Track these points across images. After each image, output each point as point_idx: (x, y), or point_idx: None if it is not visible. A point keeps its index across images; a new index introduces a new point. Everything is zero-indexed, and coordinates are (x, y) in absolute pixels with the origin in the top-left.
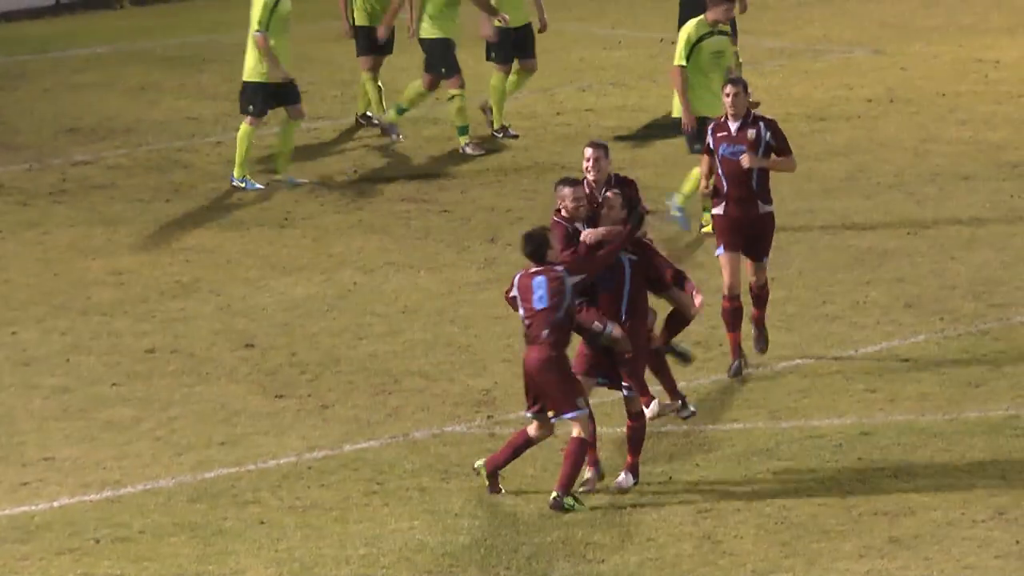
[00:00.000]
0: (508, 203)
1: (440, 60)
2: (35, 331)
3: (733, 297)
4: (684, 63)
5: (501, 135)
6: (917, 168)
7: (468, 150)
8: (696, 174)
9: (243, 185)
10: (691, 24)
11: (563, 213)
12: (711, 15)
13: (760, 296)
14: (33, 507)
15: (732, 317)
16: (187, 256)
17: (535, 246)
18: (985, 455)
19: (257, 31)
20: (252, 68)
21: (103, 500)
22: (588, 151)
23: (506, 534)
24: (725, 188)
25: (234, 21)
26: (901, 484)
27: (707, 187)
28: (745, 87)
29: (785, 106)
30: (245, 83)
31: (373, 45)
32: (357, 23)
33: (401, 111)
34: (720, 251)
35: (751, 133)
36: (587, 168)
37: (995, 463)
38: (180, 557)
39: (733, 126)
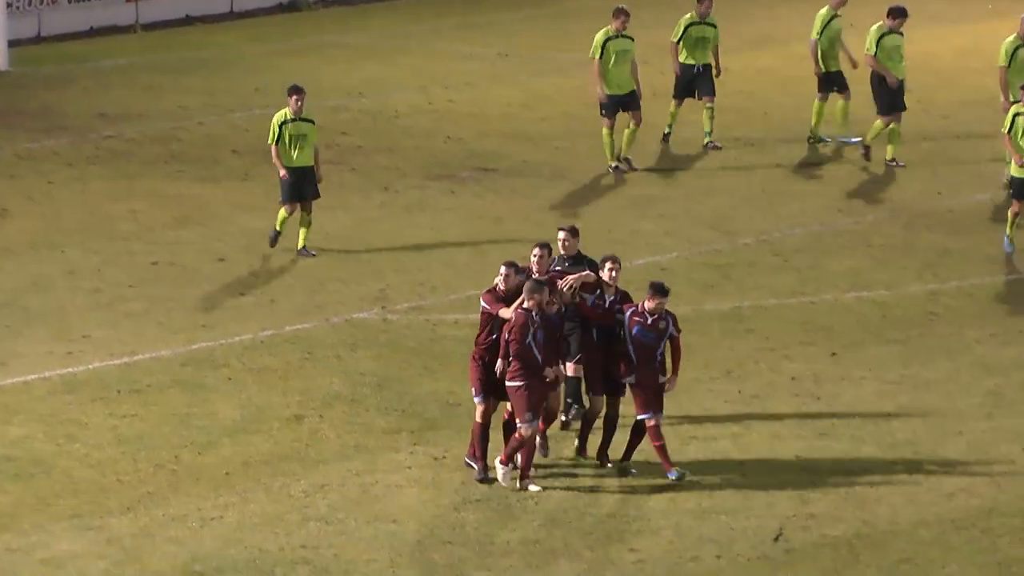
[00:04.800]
0: (397, 164)
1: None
2: (77, 251)
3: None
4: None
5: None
6: (672, 140)
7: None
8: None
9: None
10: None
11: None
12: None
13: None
14: (75, 369)
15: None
16: (180, 200)
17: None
18: (717, 336)
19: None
20: None
21: (123, 364)
22: (560, 232)
23: (397, 381)
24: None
25: (212, 43)
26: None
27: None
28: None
29: (583, 99)
30: None
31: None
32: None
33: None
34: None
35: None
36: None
37: (721, 340)
38: (175, 403)
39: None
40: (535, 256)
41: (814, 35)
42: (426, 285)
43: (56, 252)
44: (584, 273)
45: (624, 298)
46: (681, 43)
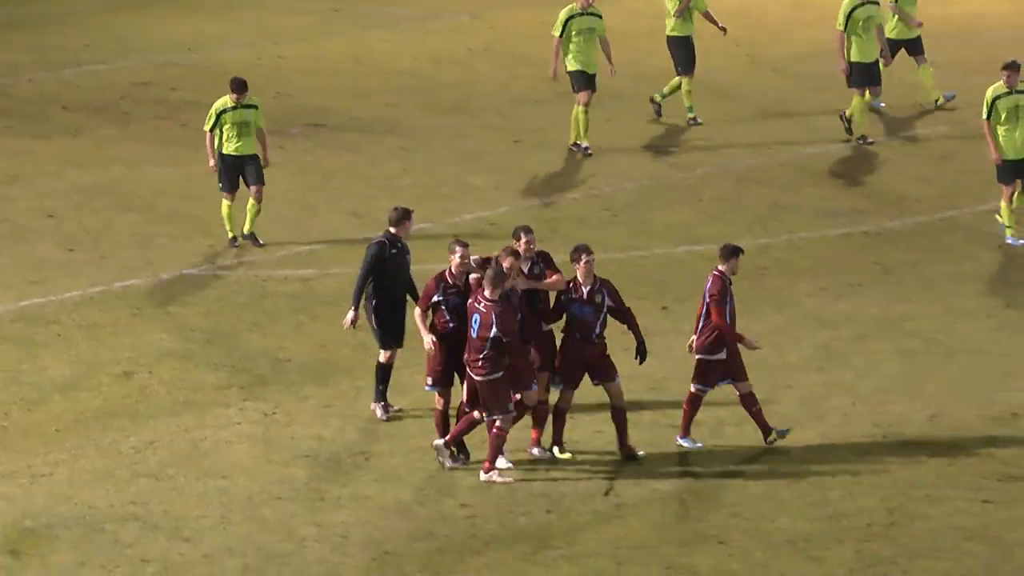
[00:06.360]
0: None
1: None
2: None
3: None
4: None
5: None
6: (502, 95)
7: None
8: (1004, 206)
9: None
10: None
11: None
12: None
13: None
14: None
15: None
16: (9, 156)
17: None
18: None
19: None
20: None
21: None
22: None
23: (227, 337)
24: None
25: None
26: None
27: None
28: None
29: (413, 55)
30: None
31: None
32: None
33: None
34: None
35: (598, 297)
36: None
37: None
38: (5, 359)
39: (585, 290)
40: (525, 241)
41: None
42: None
43: None
44: (552, 280)
45: (604, 285)
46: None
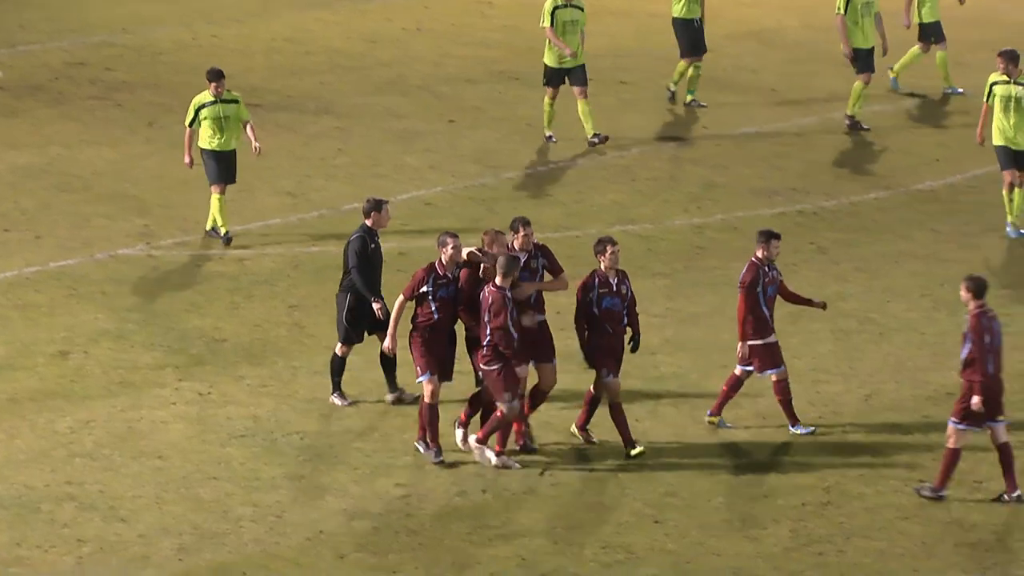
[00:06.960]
0: (162, 99)
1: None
2: None
3: None
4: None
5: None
6: (436, 75)
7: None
8: (1005, 195)
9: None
10: None
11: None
12: None
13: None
14: None
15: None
16: None
17: None
18: None
19: None
20: None
21: None
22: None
23: (163, 317)
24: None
25: None
26: None
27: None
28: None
29: (347, 34)
30: None
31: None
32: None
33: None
34: None
35: (623, 288)
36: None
37: None
38: None
39: (613, 282)
40: (523, 235)
41: None
42: (191, 221)
43: None
44: (554, 282)
45: (625, 276)
46: None
